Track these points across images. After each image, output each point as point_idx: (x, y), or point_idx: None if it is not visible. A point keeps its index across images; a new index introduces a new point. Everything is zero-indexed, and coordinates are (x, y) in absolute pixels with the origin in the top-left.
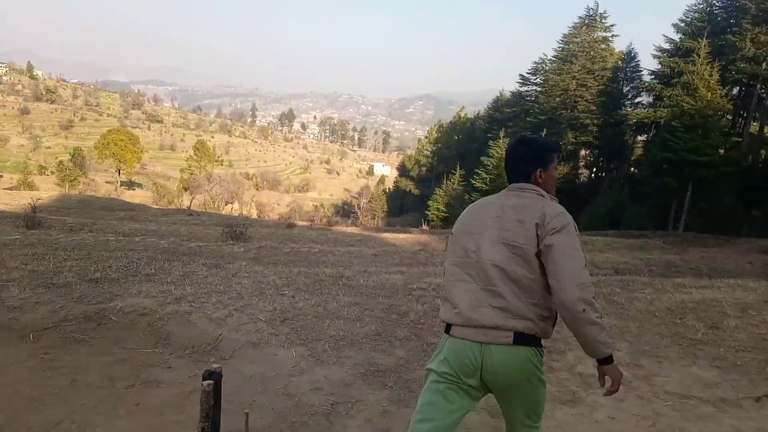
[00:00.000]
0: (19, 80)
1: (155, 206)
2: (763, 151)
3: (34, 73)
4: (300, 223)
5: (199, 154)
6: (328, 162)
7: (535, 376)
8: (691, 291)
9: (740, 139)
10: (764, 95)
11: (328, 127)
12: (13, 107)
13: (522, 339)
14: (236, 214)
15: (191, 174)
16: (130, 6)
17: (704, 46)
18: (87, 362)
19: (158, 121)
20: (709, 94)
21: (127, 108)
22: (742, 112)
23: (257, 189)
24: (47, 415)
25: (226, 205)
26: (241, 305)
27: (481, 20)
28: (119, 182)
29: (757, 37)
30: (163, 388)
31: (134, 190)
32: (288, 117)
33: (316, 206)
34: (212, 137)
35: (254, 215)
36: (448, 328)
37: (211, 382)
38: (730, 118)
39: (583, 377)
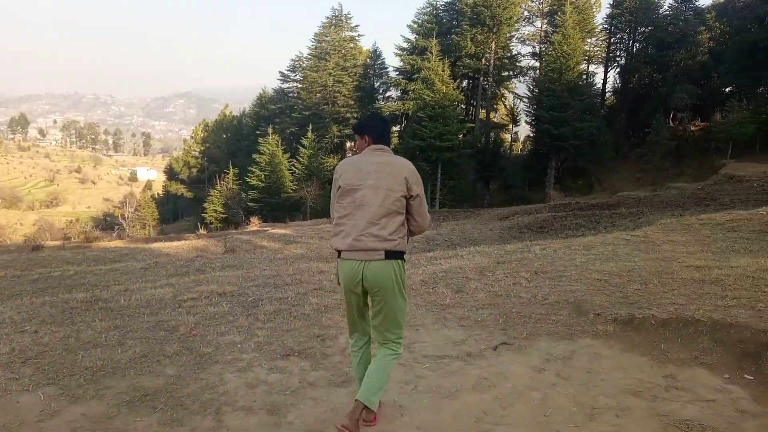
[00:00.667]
0: None
1: None
2: (492, 134)
3: None
4: (50, 243)
5: None
6: (79, 171)
7: (400, 281)
8: (441, 262)
9: (473, 125)
10: (487, 86)
11: (73, 131)
12: None
13: (391, 255)
14: None
15: None
16: None
17: (435, 45)
18: None
19: None
20: (444, 87)
21: None
22: (472, 102)
23: None
24: None
25: None
26: None
27: (237, 14)
28: None
29: (476, 37)
30: None
31: None
32: (20, 123)
33: (70, 221)
34: None
35: None
36: (339, 253)
37: None
38: (464, 107)
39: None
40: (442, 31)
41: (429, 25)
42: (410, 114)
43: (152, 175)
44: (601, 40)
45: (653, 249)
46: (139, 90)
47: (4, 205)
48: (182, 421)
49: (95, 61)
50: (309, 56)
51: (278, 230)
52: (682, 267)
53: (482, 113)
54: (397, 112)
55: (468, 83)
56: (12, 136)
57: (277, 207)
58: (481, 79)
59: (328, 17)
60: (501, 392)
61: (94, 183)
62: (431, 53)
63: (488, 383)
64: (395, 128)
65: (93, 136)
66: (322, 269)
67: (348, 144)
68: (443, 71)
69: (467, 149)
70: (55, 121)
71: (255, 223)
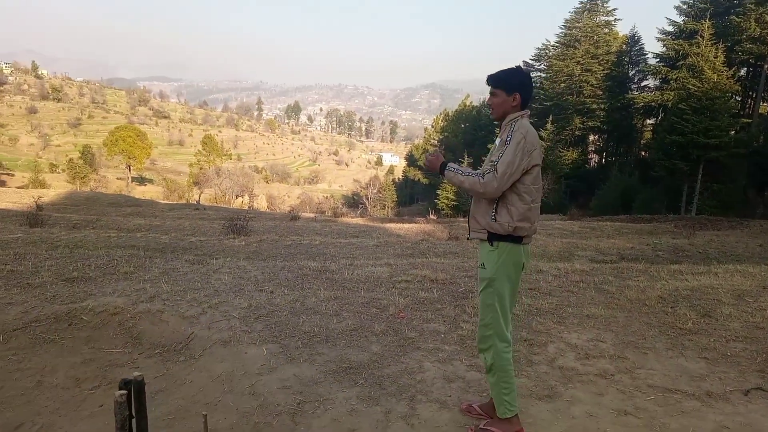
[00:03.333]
0: (25, 80)
1: (164, 201)
2: None
3: (39, 72)
4: (305, 215)
5: (208, 149)
6: (336, 153)
7: None
8: (687, 277)
9: (750, 120)
10: None
11: (334, 118)
12: (20, 107)
13: None
14: (246, 207)
15: (200, 168)
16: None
17: (707, 27)
18: (54, 363)
19: (165, 117)
20: (715, 75)
21: (133, 105)
22: (751, 93)
23: (267, 182)
24: (8, 417)
25: (236, 198)
26: (216, 302)
27: (482, 7)
28: (130, 178)
29: (762, 17)
30: None
31: (145, 185)
32: (294, 110)
33: (325, 197)
34: (220, 131)
35: (264, 208)
36: (519, 239)
37: (124, 392)
38: (739, 99)
39: (563, 371)
40: (718, 11)
41: (702, 5)
42: (669, 106)
43: (395, 160)
44: None
45: None
46: (392, 81)
47: (277, 179)
48: (378, 401)
49: (356, 55)
50: (556, 44)
51: None
52: None
53: (763, 107)
54: (653, 103)
55: (747, 71)
56: (287, 121)
57: None
58: (766, 67)
59: (581, 2)
60: None
61: (347, 165)
62: (702, 37)
63: None
64: (649, 121)
65: (350, 123)
66: (540, 268)
67: (591, 136)
68: (716, 57)
69: (739, 148)
70: (321, 109)
71: None
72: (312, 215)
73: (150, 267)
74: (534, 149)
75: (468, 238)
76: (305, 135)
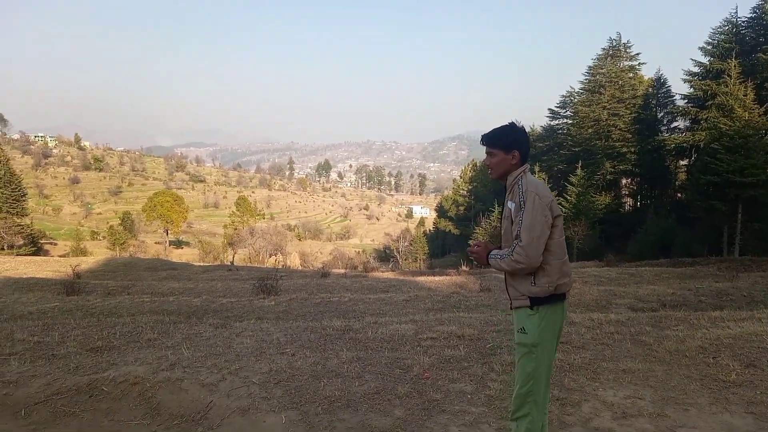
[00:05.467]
0: (68, 152)
1: (198, 263)
2: None
3: (82, 144)
4: (336, 271)
5: (241, 209)
6: (366, 208)
7: None
8: (729, 325)
9: None
10: None
11: (364, 174)
12: (64, 177)
13: None
14: (280, 265)
15: (234, 229)
16: (168, 76)
17: (735, 66)
18: None
19: (201, 181)
20: (746, 113)
21: (171, 171)
22: None
23: (300, 239)
24: None
25: (269, 257)
26: (236, 368)
27: (505, 56)
28: (168, 242)
29: None
30: None
31: (182, 248)
32: (324, 167)
33: (357, 252)
34: (253, 192)
35: (297, 265)
36: (562, 296)
37: None
38: None
39: None
40: (744, 50)
41: (727, 45)
42: (702, 146)
43: (425, 212)
44: None
45: None
46: (419, 135)
47: (309, 236)
48: None
49: (385, 112)
50: (581, 90)
51: None
52: None
53: None
54: (685, 144)
55: None
56: (318, 179)
57: None
58: None
59: (604, 48)
60: None
61: (377, 219)
62: (729, 76)
63: None
64: (683, 162)
65: (379, 178)
66: (573, 320)
67: (623, 180)
68: (745, 95)
69: None
70: (350, 166)
71: None
72: (343, 271)
73: (173, 333)
74: (550, 201)
75: (511, 308)
76: (336, 192)
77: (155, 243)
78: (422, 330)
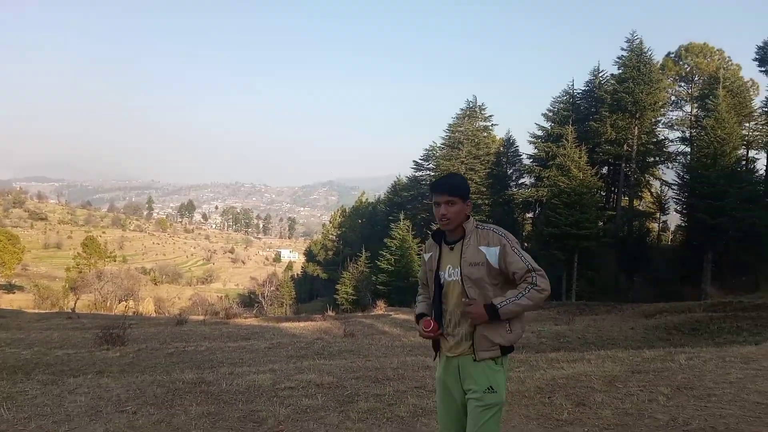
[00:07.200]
0: None
1: (33, 310)
2: (636, 222)
3: None
4: (194, 317)
5: (89, 251)
6: (232, 251)
7: None
8: (563, 365)
9: (614, 213)
10: (629, 173)
11: (231, 216)
12: None
13: None
14: (131, 312)
15: (79, 272)
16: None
17: (571, 132)
18: None
19: (42, 219)
20: (581, 173)
21: (7, 207)
22: (613, 189)
23: (156, 284)
24: None
25: (119, 303)
26: (65, 429)
27: (377, 108)
28: None
29: (616, 123)
30: None
31: (14, 293)
32: (188, 208)
33: (220, 297)
34: (104, 232)
35: (151, 312)
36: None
37: None
38: (604, 193)
39: None
40: (579, 117)
41: (565, 113)
42: (544, 201)
43: (294, 256)
44: (762, 124)
45: None
46: (290, 179)
47: (167, 281)
48: None
49: (253, 154)
50: (442, 146)
51: (401, 315)
52: None
53: (625, 200)
54: (530, 199)
55: (608, 170)
56: (180, 220)
57: (405, 290)
58: (623, 165)
59: (462, 109)
60: None
61: (243, 262)
62: (567, 140)
63: None
64: (528, 215)
65: (247, 221)
66: (427, 364)
67: None
68: (580, 158)
69: (608, 238)
70: (216, 207)
71: (381, 308)
72: (202, 318)
73: None
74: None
75: (475, 361)
76: (199, 233)
77: None
78: (280, 379)
